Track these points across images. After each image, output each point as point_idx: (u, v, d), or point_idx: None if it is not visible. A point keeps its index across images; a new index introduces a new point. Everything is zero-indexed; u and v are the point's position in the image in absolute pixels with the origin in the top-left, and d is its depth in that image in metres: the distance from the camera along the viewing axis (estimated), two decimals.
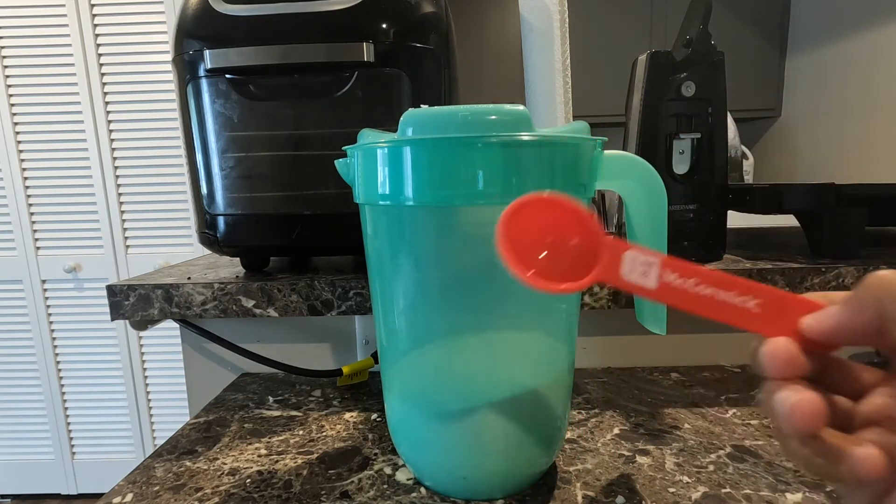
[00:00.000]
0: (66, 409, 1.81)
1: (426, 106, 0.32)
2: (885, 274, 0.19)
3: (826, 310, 0.21)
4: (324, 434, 0.46)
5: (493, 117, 0.30)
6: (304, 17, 0.47)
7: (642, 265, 0.22)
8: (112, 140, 1.66)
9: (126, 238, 1.72)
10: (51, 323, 1.76)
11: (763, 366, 0.20)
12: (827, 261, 0.55)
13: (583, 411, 0.49)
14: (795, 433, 0.19)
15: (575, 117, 0.58)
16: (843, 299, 0.21)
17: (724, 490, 0.36)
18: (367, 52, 0.47)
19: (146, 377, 1.79)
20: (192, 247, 1.71)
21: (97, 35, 1.61)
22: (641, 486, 0.37)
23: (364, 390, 0.55)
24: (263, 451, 0.43)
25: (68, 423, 1.82)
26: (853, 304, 0.20)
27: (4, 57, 1.63)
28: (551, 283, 0.22)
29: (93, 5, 1.60)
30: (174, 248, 1.72)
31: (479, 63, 0.74)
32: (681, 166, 0.55)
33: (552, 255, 0.23)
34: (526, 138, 0.29)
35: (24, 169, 1.67)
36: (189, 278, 0.55)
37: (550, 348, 0.34)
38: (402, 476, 0.39)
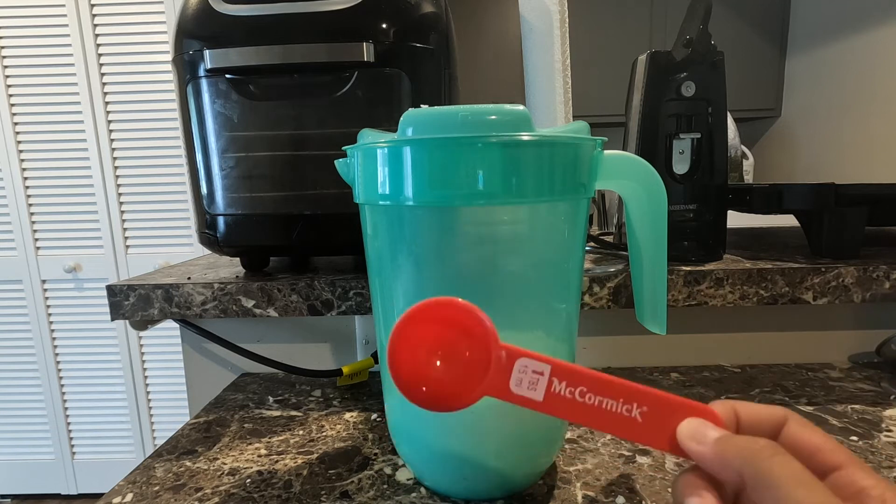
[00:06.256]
0: (66, 409, 1.81)
1: (426, 106, 0.32)
2: (747, 445, 0.21)
3: (706, 434, 0.22)
4: (324, 434, 0.46)
5: (493, 117, 0.30)
6: (304, 17, 0.47)
7: (533, 374, 0.23)
8: (112, 140, 1.66)
9: (126, 238, 1.72)
10: (51, 323, 1.76)
11: None
12: (827, 261, 0.55)
13: None
14: None
15: (575, 117, 0.58)
16: (746, 411, 0.23)
17: None
18: (367, 52, 0.47)
19: (146, 377, 1.79)
20: (192, 247, 1.71)
21: (97, 35, 1.62)
22: (641, 486, 0.37)
23: (364, 390, 0.55)
24: (263, 451, 0.43)
25: (68, 423, 1.82)
26: (721, 451, 0.21)
27: (4, 57, 1.63)
28: (439, 402, 0.23)
29: (93, 5, 1.60)
30: (174, 248, 1.72)
31: (479, 63, 0.74)
32: (681, 166, 0.55)
33: (446, 363, 0.23)
34: (526, 138, 0.29)
35: (24, 169, 1.68)
36: (189, 278, 0.55)
37: (550, 348, 0.34)
38: (402, 476, 0.39)
